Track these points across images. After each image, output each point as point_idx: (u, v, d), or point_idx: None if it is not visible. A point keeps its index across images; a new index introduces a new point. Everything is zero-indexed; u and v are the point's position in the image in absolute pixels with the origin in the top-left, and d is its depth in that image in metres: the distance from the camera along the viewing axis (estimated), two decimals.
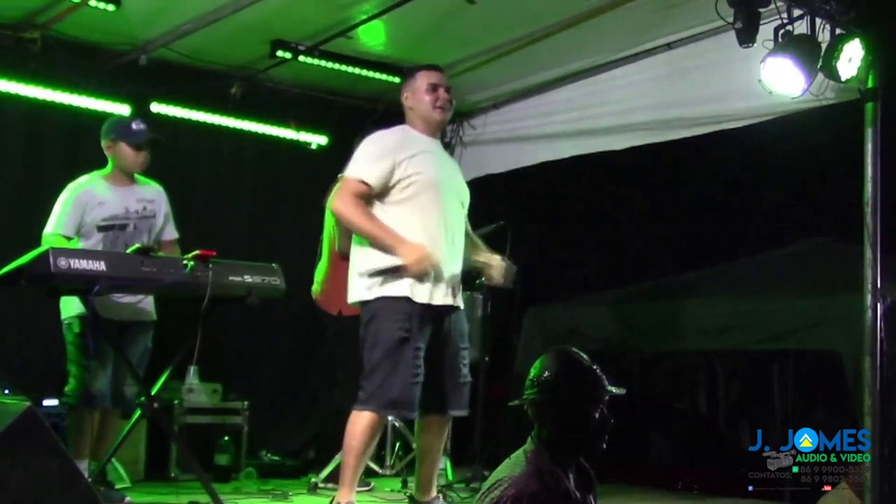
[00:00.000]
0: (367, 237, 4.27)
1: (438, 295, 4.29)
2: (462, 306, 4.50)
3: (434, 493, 4.56)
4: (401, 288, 4.21)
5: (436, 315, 4.30)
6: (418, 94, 4.47)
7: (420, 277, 4.21)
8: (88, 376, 4.72)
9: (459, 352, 4.43)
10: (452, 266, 4.38)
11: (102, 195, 4.93)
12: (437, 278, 4.28)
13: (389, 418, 5.32)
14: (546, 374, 2.92)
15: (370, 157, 4.31)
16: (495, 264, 4.62)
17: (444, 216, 4.34)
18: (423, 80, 4.48)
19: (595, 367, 2.96)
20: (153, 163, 5.24)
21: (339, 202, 4.30)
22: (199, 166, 6.70)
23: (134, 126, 5.02)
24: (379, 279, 4.25)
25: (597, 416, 2.89)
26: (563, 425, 2.88)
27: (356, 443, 4.19)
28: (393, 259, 4.21)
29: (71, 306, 4.79)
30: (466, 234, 4.58)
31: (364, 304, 4.30)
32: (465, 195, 4.54)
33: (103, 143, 5.00)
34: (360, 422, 4.20)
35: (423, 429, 4.46)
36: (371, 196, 4.28)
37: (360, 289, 4.32)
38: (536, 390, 2.92)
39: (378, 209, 4.31)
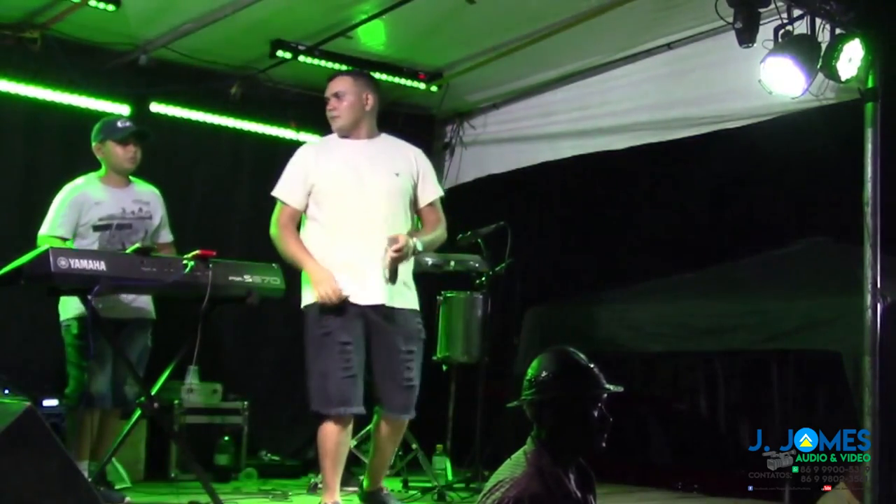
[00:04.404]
0: (291, 262, 4.52)
1: (364, 294, 4.40)
2: (406, 307, 4.52)
3: (380, 484, 4.68)
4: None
5: (365, 313, 4.40)
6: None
7: (343, 279, 4.37)
8: (88, 377, 4.72)
9: (400, 354, 4.48)
10: (378, 266, 4.42)
11: (99, 196, 4.94)
12: (363, 278, 4.40)
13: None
14: (544, 374, 2.92)
15: (287, 177, 4.56)
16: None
17: (361, 219, 4.43)
18: None
19: (592, 365, 2.96)
20: (153, 162, 5.24)
21: (273, 228, 4.53)
22: (199, 166, 6.69)
23: (119, 124, 5.07)
24: (308, 287, 4.47)
25: (596, 414, 2.88)
26: (563, 425, 2.88)
27: (324, 448, 4.37)
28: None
29: (69, 307, 4.80)
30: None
31: (303, 309, 4.51)
32: (395, 189, 4.52)
33: (93, 147, 5.03)
34: (321, 429, 4.38)
35: (377, 426, 4.59)
36: (300, 213, 4.51)
37: (302, 297, 4.53)
38: (535, 391, 2.91)
39: (306, 223, 4.53)
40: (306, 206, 4.51)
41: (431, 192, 4.66)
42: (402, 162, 4.61)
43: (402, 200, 4.54)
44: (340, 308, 4.36)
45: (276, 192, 4.56)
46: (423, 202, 4.64)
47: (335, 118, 4.60)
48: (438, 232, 4.65)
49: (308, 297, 4.47)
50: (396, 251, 4.35)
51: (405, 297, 4.53)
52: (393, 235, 4.39)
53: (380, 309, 4.43)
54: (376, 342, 4.45)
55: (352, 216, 4.44)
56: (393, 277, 4.42)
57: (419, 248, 4.50)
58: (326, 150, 4.62)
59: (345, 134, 4.61)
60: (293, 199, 4.51)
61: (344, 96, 4.57)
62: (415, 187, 4.61)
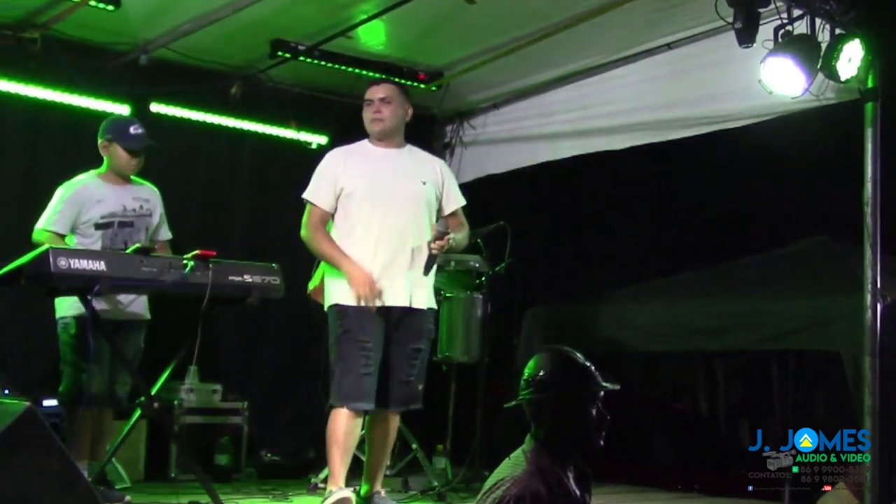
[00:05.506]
0: (328, 262, 4.63)
1: (387, 297, 4.50)
2: (423, 307, 4.63)
3: (378, 486, 4.70)
4: (344, 294, 4.50)
5: (386, 315, 4.52)
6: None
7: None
8: (87, 377, 4.70)
9: (408, 351, 4.60)
10: (403, 269, 4.54)
11: (100, 193, 4.94)
12: (388, 281, 4.51)
13: None
14: (541, 373, 2.92)
15: (317, 180, 4.67)
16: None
17: (388, 224, 4.55)
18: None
19: (589, 363, 2.96)
20: (153, 162, 5.24)
21: (303, 230, 4.63)
22: (199, 166, 6.69)
23: (132, 130, 5.02)
24: (331, 289, 4.59)
25: (593, 412, 2.89)
26: (561, 423, 2.88)
27: (333, 437, 4.45)
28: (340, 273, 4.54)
29: (66, 305, 4.79)
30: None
31: (326, 310, 4.62)
32: (421, 197, 4.65)
33: (100, 141, 5.02)
34: (331, 418, 4.49)
35: (369, 423, 4.68)
36: (329, 215, 4.61)
37: (325, 298, 4.64)
38: (532, 390, 2.92)
39: (332, 226, 4.64)
40: (335, 209, 4.60)
41: (455, 201, 4.83)
42: (429, 172, 4.76)
43: (428, 209, 4.67)
44: (362, 309, 4.45)
45: (306, 195, 4.65)
46: (447, 211, 4.79)
47: (379, 121, 4.67)
48: (463, 235, 4.79)
49: (332, 297, 4.57)
50: (439, 246, 4.46)
51: (425, 296, 4.65)
52: (441, 230, 4.51)
53: (401, 310, 4.55)
54: (392, 341, 4.56)
55: (379, 221, 4.55)
56: (427, 270, 4.52)
57: (453, 245, 4.64)
58: (357, 155, 4.71)
59: (380, 139, 4.69)
60: (323, 201, 4.61)
61: (390, 102, 4.67)
62: (439, 197, 4.75)
